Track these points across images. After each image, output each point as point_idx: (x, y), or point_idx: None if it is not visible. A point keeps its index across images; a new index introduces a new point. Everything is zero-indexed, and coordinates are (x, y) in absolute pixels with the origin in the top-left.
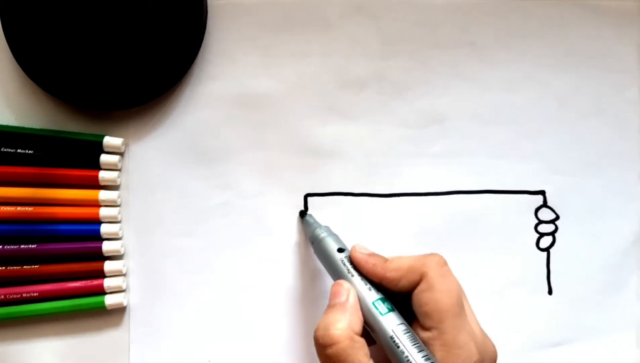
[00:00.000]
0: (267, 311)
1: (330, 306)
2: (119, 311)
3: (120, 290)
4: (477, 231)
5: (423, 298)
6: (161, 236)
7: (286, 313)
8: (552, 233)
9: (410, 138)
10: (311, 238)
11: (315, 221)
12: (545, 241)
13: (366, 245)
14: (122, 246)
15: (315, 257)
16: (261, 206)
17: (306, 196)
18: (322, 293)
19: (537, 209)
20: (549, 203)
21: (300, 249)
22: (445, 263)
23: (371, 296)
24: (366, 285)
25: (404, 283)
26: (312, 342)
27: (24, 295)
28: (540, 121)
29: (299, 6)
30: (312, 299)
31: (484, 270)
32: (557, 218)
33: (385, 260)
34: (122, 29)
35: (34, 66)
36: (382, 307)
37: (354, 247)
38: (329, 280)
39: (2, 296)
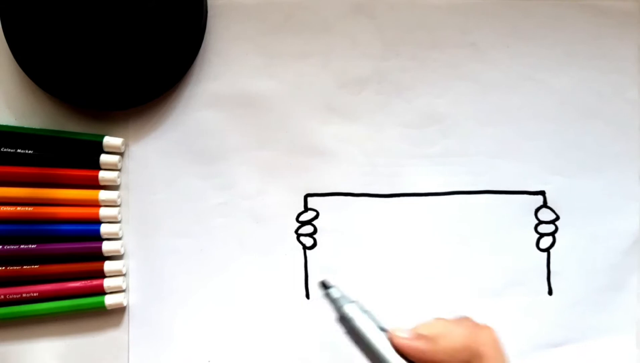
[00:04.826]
0: (266, 312)
1: None
2: (119, 311)
3: (120, 290)
4: (477, 231)
5: None
6: (161, 236)
7: (286, 313)
8: (552, 234)
9: (410, 138)
10: (340, 316)
11: (343, 296)
12: (546, 242)
13: (404, 326)
14: (122, 246)
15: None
16: (261, 206)
17: (306, 196)
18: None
19: (537, 210)
20: (549, 204)
21: (299, 251)
22: (498, 339)
23: None
24: None
25: None
26: (312, 342)
27: (24, 295)
28: (540, 121)
29: (299, 6)
30: (311, 298)
31: (484, 270)
32: (557, 218)
33: (431, 340)
34: (122, 29)
35: (34, 66)
36: None
37: (392, 332)
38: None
39: (2, 296)
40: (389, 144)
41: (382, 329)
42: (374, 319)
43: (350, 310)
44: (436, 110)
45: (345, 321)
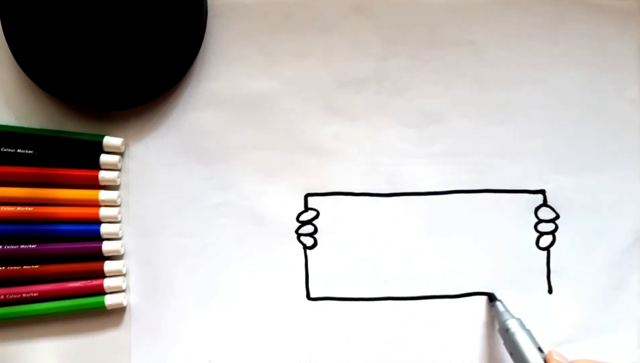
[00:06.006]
0: (267, 311)
1: None
2: (119, 311)
3: (120, 290)
4: (477, 230)
5: None
6: (161, 236)
7: (286, 313)
8: (552, 232)
9: (410, 137)
10: (502, 327)
11: (506, 310)
12: (545, 240)
13: (561, 351)
14: (122, 246)
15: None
16: (261, 206)
17: (306, 196)
18: (318, 291)
19: (537, 209)
20: (549, 202)
21: (299, 251)
22: None
23: None
24: None
25: None
26: (312, 342)
27: (24, 295)
28: (540, 121)
29: (299, 6)
30: (311, 298)
31: (483, 269)
32: (557, 217)
33: None
34: (122, 29)
35: (34, 66)
36: None
37: (550, 354)
38: (324, 284)
39: (2, 296)
40: (389, 144)
41: (540, 349)
42: (532, 338)
43: (512, 325)
44: (436, 110)
45: (506, 333)
